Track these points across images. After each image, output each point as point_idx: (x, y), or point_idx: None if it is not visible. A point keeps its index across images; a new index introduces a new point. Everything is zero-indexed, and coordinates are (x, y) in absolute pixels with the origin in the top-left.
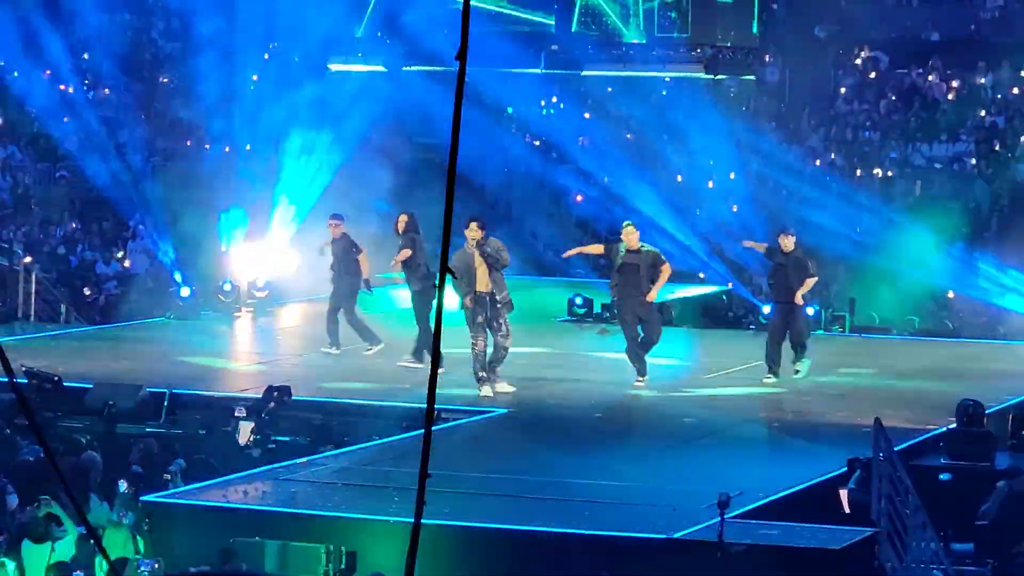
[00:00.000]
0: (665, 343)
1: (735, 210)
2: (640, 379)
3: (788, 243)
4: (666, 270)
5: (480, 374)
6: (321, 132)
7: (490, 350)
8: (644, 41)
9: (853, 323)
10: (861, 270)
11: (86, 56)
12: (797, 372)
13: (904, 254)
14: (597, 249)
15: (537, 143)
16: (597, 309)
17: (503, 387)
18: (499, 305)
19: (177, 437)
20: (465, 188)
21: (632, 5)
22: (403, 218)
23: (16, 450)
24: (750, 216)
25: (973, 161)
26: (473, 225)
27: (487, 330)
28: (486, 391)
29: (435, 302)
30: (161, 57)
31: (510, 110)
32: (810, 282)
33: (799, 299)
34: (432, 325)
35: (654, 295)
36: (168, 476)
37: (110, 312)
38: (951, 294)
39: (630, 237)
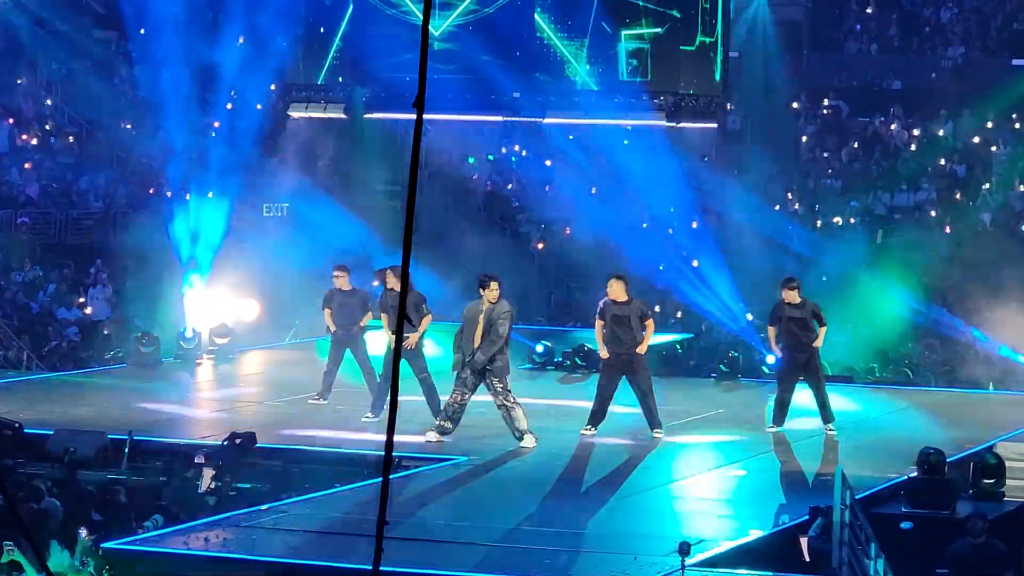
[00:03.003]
0: (625, 392)
1: (695, 265)
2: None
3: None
4: (651, 325)
5: (441, 423)
6: (282, 179)
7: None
8: (606, 89)
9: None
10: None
11: (48, 102)
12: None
13: (865, 303)
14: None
15: (494, 190)
16: (558, 357)
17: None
18: (485, 368)
19: (139, 484)
20: (426, 234)
21: (594, 53)
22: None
23: None
24: (711, 267)
25: (934, 211)
26: (493, 285)
27: (469, 389)
28: (431, 436)
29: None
30: (123, 104)
31: (472, 160)
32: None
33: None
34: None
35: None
36: (142, 531)
37: (71, 359)
38: (911, 342)
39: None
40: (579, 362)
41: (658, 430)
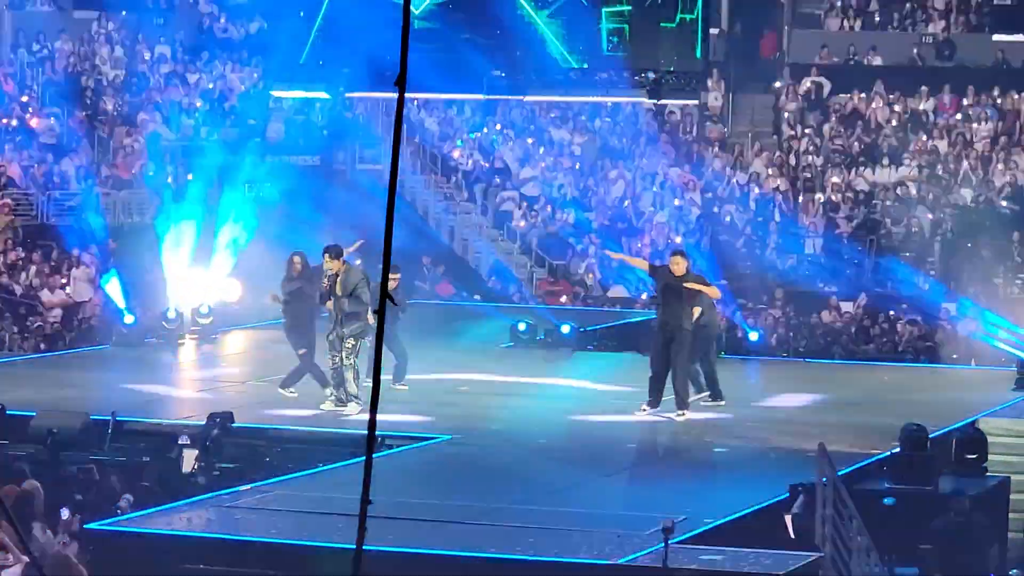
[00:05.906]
0: (606, 368)
1: (678, 240)
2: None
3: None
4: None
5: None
6: (263, 159)
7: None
8: (586, 66)
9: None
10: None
11: (30, 83)
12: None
13: (846, 279)
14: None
15: (473, 166)
16: (540, 335)
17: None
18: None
19: (121, 464)
20: (407, 211)
21: (574, 31)
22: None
23: None
24: (694, 244)
25: (915, 187)
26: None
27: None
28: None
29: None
30: (104, 84)
31: (459, 142)
32: (697, 310)
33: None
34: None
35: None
36: (119, 511)
37: (54, 340)
38: (893, 319)
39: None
40: (560, 339)
41: (682, 411)
